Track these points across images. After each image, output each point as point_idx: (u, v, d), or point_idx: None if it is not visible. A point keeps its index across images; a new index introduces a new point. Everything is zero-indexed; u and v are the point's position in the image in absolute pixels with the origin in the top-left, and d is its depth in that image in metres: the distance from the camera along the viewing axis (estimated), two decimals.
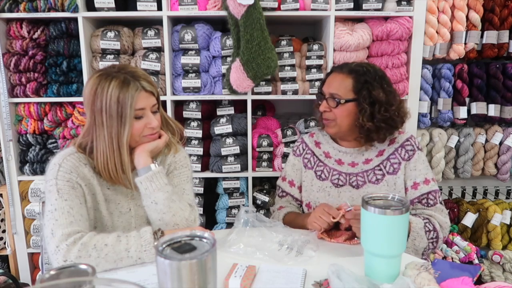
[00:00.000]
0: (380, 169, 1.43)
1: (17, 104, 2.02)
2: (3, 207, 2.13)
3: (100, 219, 1.21)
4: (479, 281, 2.00)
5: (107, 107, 1.10)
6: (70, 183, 1.12)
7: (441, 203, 1.41)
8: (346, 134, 1.46)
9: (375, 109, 1.37)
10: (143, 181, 1.15)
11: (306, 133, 2.05)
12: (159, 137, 1.22)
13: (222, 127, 1.99)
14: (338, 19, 1.97)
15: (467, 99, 2.11)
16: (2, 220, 2.14)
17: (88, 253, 1.02)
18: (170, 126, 1.29)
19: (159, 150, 1.24)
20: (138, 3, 1.88)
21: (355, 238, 1.23)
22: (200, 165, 2.03)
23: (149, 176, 1.15)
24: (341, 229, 1.27)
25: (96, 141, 1.14)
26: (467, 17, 2.01)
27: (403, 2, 1.93)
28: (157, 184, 1.15)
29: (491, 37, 2.04)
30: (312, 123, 2.06)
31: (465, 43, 2.02)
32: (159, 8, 1.89)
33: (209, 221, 2.09)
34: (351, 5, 1.92)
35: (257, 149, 2.03)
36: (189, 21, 1.98)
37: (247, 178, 2.06)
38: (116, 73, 1.12)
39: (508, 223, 2.20)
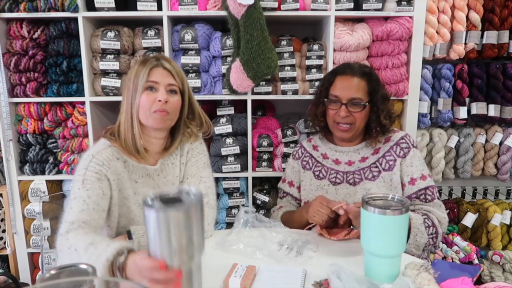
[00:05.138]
0: (376, 166, 1.46)
1: (17, 104, 2.02)
2: (3, 207, 2.13)
3: (126, 214, 1.23)
4: (479, 281, 2.00)
5: (128, 82, 1.22)
6: (98, 175, 1.15)
7: (438, 198, 1.43)
8: (356, 135, 1.50)
9: (381, 107, 1.44)
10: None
11: (306, 133, 2.07)
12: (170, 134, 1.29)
13: (222, 127, 1.99)
14: (338, 19, 1.97)
15: (467, 99, 2.10)
16: (2, 220, 2.14)
17: (64, 252, 1.02)
18: (198, 118, 1.35)
19: None
20: (138, 3, 1.87)
21: (354, 230, 1.23)
22: None
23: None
24: (340, 223, 1.27)
25: (120, 115, 1.24)
26: (467, 17, 2.00)
27: (403, 2, 1.93)
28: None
29: (491, 37, 2.04)
30: (313, 126, 2.05)
31: (465, 43, 2.02)
32: (159, 8, 1.88)
33: None
34: (351, 5, 1.92)
35: (257, 149, 2.03)
36: (189, 21, 1.98)
37: (247, 178, 2.06)
38: (148, 56, 1.24)
39: (508, 223, 2.20)
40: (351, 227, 1.26)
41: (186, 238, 0.71)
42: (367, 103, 1.43)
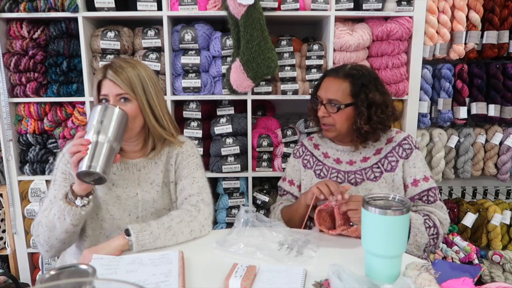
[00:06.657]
0: (378, 167, 1.46)
1: (17, 104, 2.01)
2: (3, 207, 2.13)
3: (98, 205, 1.26)
4: (480, 281, 2.00)
5: None
6: (64, 175, 1.24)
7: (440, 200, 1.43)
8: (345, 136, 1.49)
9: (371, 112, 1.41)
10: (140, 247, 1.12)
11: (306, 133, 2.07)
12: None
13: (222, 127, 1.99)
14: (338, 19, 1.97)
15: (467, 99, 2.10)
16: (2, 220, 2.14)
17: (38, 232, 1.17)
18: (162, 121, 1.29)
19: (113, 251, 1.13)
20: (138, 3, 1.87)
21: (354, 226, 1.23)
22: None
23: (138, 246, 1.11)
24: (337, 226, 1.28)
25: None
26: (467, 17, 2.00)
27: (403, 2, 1.93)
28: (149, 242, 1.12)
29: (491, 37, 2.04)
30: (312, 123, 2.06)
31: (465, 43, 2.02)
32: (159, 8, 1.88)
33: None
34: (351, 5, 1.92)
35: (257, 149, 2.03)
36: (189, 21, 1.98)
37: (247, 178, 2.06)
38: (106, 63, 1.27)
39: (508, 223, 2.20)
40: (351, 224, 1.26)
41: (106, 121, 1.09)
42: (343, 106, 1.41)
